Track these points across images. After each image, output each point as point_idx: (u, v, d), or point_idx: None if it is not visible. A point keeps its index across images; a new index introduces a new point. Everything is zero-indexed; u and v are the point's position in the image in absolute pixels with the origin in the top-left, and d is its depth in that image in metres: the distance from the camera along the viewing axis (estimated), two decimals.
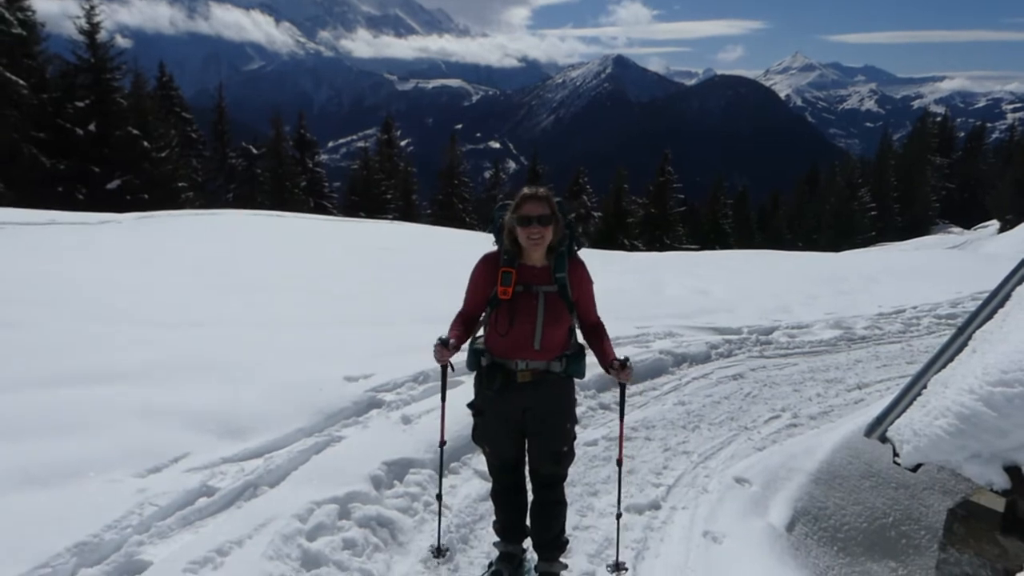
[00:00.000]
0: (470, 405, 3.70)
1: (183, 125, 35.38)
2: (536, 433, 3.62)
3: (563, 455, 3.66)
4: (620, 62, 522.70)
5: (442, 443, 3.99)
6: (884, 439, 4.61)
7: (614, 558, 3.86)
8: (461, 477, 4.96)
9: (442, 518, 4.07)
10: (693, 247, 40.62)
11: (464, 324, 3.61)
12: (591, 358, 3.67)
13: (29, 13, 26.45)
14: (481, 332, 3.65)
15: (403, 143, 49.89)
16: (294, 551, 3.70)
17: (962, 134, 65.24)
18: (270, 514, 3.95)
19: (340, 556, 3.79)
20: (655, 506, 4.93)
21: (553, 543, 3.79)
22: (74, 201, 25.64)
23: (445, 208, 42.78)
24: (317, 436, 5.05)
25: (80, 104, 27.34)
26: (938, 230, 51.40)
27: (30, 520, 3.61)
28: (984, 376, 3.94)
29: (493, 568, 3.88)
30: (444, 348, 3.47)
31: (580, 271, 3.56)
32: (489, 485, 4.00)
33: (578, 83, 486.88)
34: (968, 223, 51.17)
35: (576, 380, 3.70)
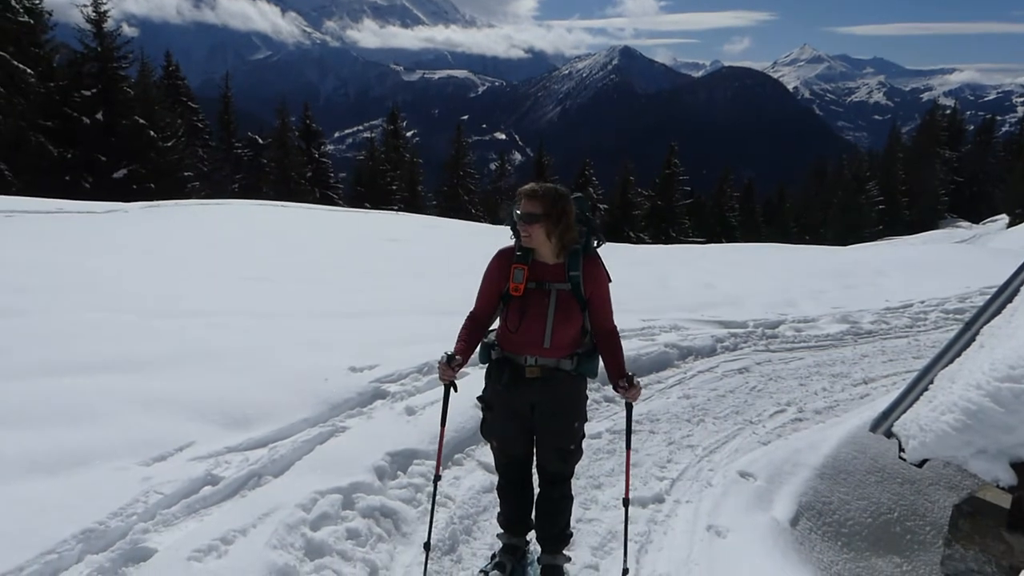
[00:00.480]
0: (480, 399, 3.67)
1: (189, 114, 35.41)
2: (543, 430, 3.59)
3: (570, 453, 3.63)
4: (627, 53, 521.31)
5: (436, 477, 3.78)
6: (890, 434, 4.60)
7: (617, 553, 3.84)
8: (465, 469, 4.95)
9: (445, 509, 4.05)
10: (699, 240, 40.54)
11: (473, 330, 3.56)
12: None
13: (36, 1, 26.47)
14: (495, 326, 3.61)
15: (409, 134, 49.88)
16: (298, 540, 3.70)
17: (971, 127, 64.64)
18: (274, 503, 3.95)
19: (344, 546, 3.80)
20: (659, 499, 4.92)
21: (558, 537, 3.78)
22: (81, 190, 25.72)
23: (450, 199, 42.77)
24: (321, 426, 5.05)
25: (87, 93, 27.41)
26: (946, 224, 51.13)
27: (37, 507, 3.64)
28: (991, 372, 3.92)
29: (496, 560, 3.88)
30: (448, 367, 3.43)
31: (596, 270, 3.47)
32: (494, 478, 3.99)
33: (584, 74, 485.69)
34: (977, 217, 50.92)
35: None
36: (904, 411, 4.54)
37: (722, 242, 36.94)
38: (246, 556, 3.49)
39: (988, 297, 4.97)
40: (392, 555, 3.93)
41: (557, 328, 3.39)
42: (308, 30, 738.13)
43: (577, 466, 3.84)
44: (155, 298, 8.13)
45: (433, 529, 3.79)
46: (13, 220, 12.70)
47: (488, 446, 3.97)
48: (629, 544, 3.96)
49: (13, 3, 24.79)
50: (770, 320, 9.92)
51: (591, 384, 6.49)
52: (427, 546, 3.72)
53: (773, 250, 22.32)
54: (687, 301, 11.12)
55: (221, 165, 38.02)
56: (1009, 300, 4.81)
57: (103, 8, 28.15)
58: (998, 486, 3.89)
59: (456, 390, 3.60)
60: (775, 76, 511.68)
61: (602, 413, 6.19)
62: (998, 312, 4.79)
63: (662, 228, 44.07)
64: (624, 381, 3.42)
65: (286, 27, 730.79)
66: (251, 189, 35.75)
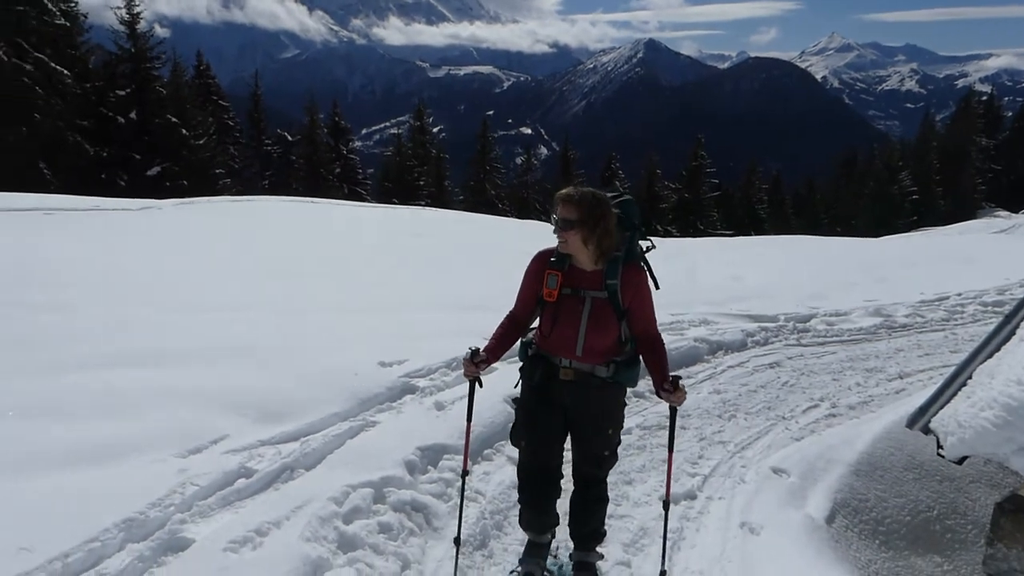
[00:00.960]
0: (514, 399, 3.63)
1: (220, 113, 35.84)
2: (576, 434, 3.53)
3: (604, 459, 3.58)
4: (652, 46, 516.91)
5: (464, 473, 3.79)
6: (927, 430, 4.50)
7: (649, 550, 3.79)
8: (495, 464, 4.96)
9: (476, 504, 4.04)
10: (727, 232, 40.15)
11: (509, 328, 3.51)
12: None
13: (72, 4, 27.05)
14: (536, 323, 3.54)
15: (435, 129, 50.04)
16: (331, 533, 3.73)
17: (1009, 114, 62.85)
18: (307, 496, 3.99)
19: (376, 539, 3.82)
20: (691, 496, 4.89)
21: (591, 535, 3.73)
22: (116, 187, 26.20)
23: (477, 194, 42.84)
24: (352, 421, 5.09)
25: (121, 93, 27.93)
26: (984, 214, 49.95)
27: (80, 496, 3.72)
28: None
29: (523, 560, 3.80)
30: (471, 363, 3.38)
31: (635, 278, 3.33)
32: None
33: (609, 68, 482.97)
34: (1016, 207, 49.68)
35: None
36: (942, 407, 4.44)
37: (750, 234, 36.55)
38: (280, 548, 3.53)
39: None
40: (423, 549, 3.94)
41: (590, 336, 3.30)
42: (335, 28, 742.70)
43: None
44: (188, 293, 8.26)
45: (463, 524, 3.79)
46: (53, 217, 12.96)
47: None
48: (658, 539, 3.93)
49: (50, 6, 25.27)
50: (801, 314, 9.79)
51: None
52: (457, 541, 3.71)
53: (803, 242, 22.04)
54: (716, 295, 11.01)
55: (251, 162, 38.49)
56: None
57: (136, 10, 28.66)
58: None
59: (481, 386, 3.58)
60: (803, 66, 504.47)
61: (632, 409, 6.16)
62: None
63: (689, 221, 43.72)
64: (668, 384, 3.29)
65: (313, 25, 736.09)
66: (280, 185, 36.12)
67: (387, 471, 4.35)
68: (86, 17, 27.98)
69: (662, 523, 3.75)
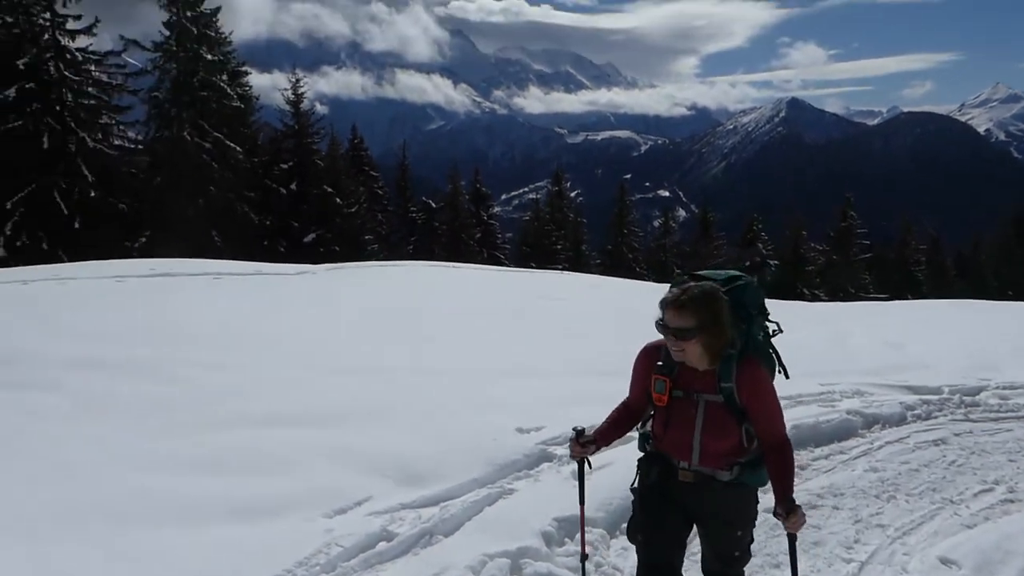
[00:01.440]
0: (632, 490, 3.33)
1: (370, 182, 38.26)
2: (702, 532, 3.28)
3: (734, 559, 3.29)
4: (795, 104, 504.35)
5: (583, 557, 3.61)
6: None
7: None
8: None
9: None
10: (881, 297, 37.79)
11: (623, 415, 3.27)
12: None
13: (247, 88, 30.18)
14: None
15: (573, 194, 50.79)
16: None
17: None
18: (445, 563, 4.03)
19: None
20: None
21: None
22: (276, 253, 28.41)
23: (614, 257, 42.86)
24: (490, 487, 5.13)
25: (284, 166, 30.57)
26: None
27: (236, 551, 3.96)
28: None
29: None
30: (577, 443, 3.15)
31: (752, 376, 2.95)
32: None
33: (750, 128, 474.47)
34: None
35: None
36: None
37: (907, 299, 34.21)
38: None
39: None
40: None
41: (706, 442, 2.99)
42: (478, 100, 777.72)
43: (753, 545, 3.59)
44: (338, 355, 8.70)
45: None
46: (221, 281, 14.17)
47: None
48: None
49: (229, 91, 28.22)
50: (969, 386, 8.97)
51: None
52: None
53: (968, 307, 20.31)
54: (870, 363, 10.33)
55: (397, 228, 40.61)
56: None
57: (300, 90, 31.59)
58: None
59: (591, 467, 3.37)
60: (963, 119, 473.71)
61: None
62: None
63: (839, 284, 41.59)
64: (782, 508, 2.94)
65: (458, 98, 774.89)
66: (424, 250, 37.76)
67: (524, 541, 4.33)
68: (258, 99, 31.18)
69: None
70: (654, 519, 3.20)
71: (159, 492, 4.56)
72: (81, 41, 25.57)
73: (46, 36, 24.47)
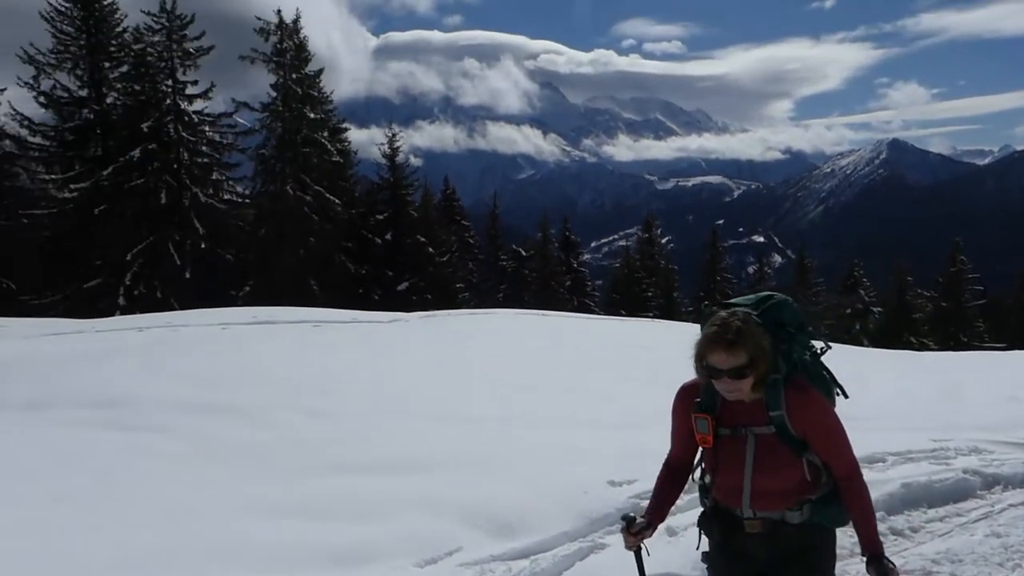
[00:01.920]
0: (705, 556, 3.04)
1: (461, 232, 39.13)
2: None
3: None
4: (896, 146, 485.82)
5: None
6: None
7: None
8: None
9: None
10: (998, 346, 35.43)
11: (668, 480, 3.02)
12: None
13: (346, 143, 31.77)
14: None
15: (663, 240, 50.28)
16: None
17: None
18: None
19: None
20: None
21: None
22: (371, 301, 29.27)
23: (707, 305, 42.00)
24: (581, 541, 5.03)
25: (380, 217, 31.72)
26: None
27: None
28: None
29: None
30: (630, 533, 2.89)
31: (805, 400, 2.65)
32: None
33: (848, 171, 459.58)
34: None
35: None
36: None
37: None
38: None
39: None
40: None
41: (759, 481, 2.69)
42: (567, 149, 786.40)
43: None
44: (432, 402, 8.81)
45: None
46: (320, 329, 14.67)
47: None
48: None
49: (329, 146, 29.68)
50: None
51: None
52: None
53: None
54: (987, 419, 9.65)
55: (488, 276, 41.21)
56: None
57: (396, 145, 32.87)
58: None
59: (648, 555, 3.03)
60: None
61: (887, 549, 5.48)
62: None
63: (950, 332, 39.29)
64: (873, 568, 2.61)
65: (548, 148, 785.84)
66: (514, 298, 38.08)
67: None
68: (356, 153, 32.77)
69: None
70: None
71: (259, 536, 4.68)
72: (198, 104, 27.69)
73: (168, 101, 26.55)
